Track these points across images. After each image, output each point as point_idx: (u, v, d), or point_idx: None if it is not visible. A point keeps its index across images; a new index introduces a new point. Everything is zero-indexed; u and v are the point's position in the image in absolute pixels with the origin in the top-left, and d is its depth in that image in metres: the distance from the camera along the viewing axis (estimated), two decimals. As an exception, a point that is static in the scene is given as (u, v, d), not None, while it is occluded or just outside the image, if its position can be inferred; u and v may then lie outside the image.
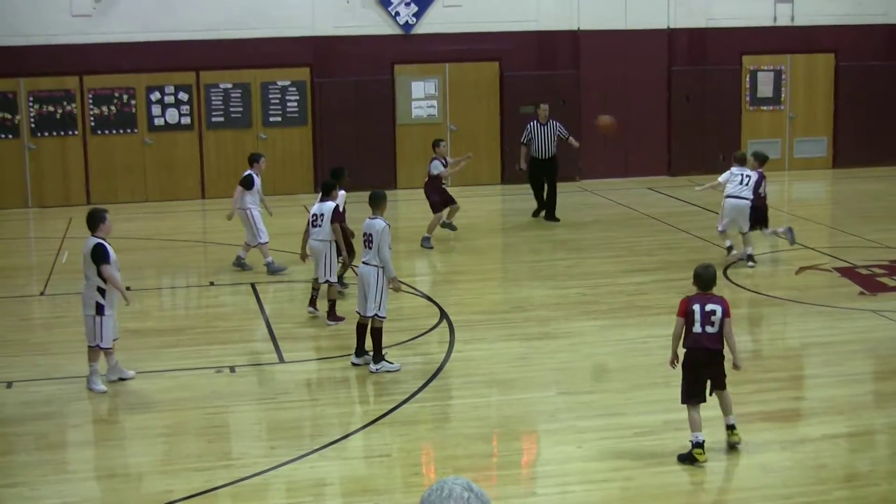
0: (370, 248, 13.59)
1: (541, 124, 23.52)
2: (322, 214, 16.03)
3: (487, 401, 13.03)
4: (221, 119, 27.00)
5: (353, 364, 14.04)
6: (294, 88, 27.21)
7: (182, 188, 26.52)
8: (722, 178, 19.14)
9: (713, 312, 10.98)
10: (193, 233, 22.06)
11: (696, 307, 11.00)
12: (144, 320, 16.62)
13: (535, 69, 28.00)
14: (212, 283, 18.73)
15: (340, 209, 16.30)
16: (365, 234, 13.67)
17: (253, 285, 18.35)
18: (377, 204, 13.81)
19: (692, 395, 11.11)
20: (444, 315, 16.31)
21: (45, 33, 25.80)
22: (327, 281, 16.09)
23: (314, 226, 16.18)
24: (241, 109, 27.09)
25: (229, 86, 26.92)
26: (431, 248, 20.66)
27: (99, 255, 12.91)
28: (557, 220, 23.35)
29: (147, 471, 11.34)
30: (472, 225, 22.91)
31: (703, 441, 11.04)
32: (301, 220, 21.91)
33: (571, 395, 12.96)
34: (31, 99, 26.18)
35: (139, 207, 25.39)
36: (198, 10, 26.41)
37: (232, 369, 14.32)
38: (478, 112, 28.03)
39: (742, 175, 18.77)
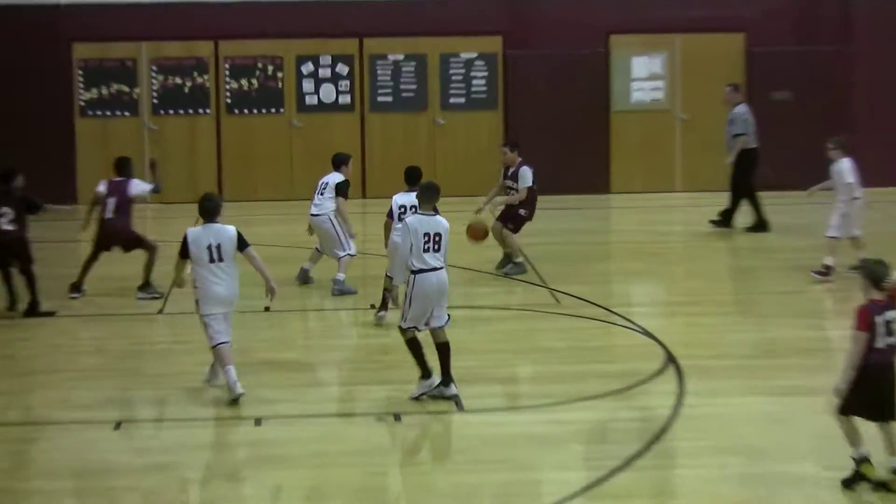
0: (439, 251, 14.11)
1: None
2: (414, 206, 16.11)
3: (725, 472, 12.51)
4: (389, 99, 27.23)
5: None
6: (482, 62, 27.27)
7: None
8: (852, 176, 20.15)
9: (892, 321, 11.47)
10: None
11: (878, 318, 11.42)
12: (286, 350, 16.73)
13: (792, 44, 27.50)
14: (372, 306, 18.59)
15: None
16: (428, 234, 14.00)
17: (424, 310, 18.13)
18: (434, 197, 14.38)
19: (864, 409, 11.59)
20: (669, 358, 15.95)
21: (174, -13, 26.02)
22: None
23: (402, 219, 16.22)
24: (414, 87, 27.24)
25: (400, 57, 27.24)
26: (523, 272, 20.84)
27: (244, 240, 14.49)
28: (724, 226, 23.64)
29: (285, 544, 11.05)
30: (706, 241, 22.68)
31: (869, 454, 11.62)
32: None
33: (838, 471, 12.33)
34: (154, 68, 26.88)
35: (282, 206, 25.75)
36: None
37: (397, 417, 14.12)
38: (716, 97, 26.85)
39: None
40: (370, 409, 14.47)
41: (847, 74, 27.48)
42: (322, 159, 25.02)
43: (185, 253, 14.47)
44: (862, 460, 11.66)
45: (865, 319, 11.40)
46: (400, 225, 15.32)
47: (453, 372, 14.38)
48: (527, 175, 20.27)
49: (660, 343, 16.69)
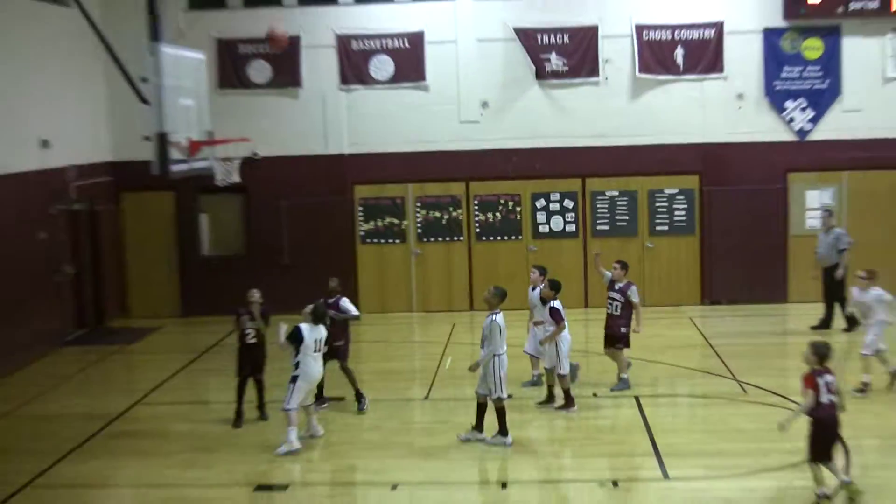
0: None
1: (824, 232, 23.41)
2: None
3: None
4: (607, 227, 26.40)
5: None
6: (682, 197, 26.27)
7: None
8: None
9: (832, 382, 13.07)
10: (575, 342, 19.13)
11: (821, 380, 13.03)
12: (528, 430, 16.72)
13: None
14: (595, 395, 18.30)
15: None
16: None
17: (637, 398, 17.98)
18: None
19: (825, 455, 13.02)
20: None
21: (433, 140, 26.26)
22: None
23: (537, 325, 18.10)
24: (626, 217, 26.38)
25: (616, 193, 26.23)
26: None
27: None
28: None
29: None
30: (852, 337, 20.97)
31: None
32: (688, 332, 22.18)
33: None
34: (418, 205, 26.49)
35: (519, 315, 24.79)
36: (587, 118, 26.07)
37: (615, 483, 14.13)
38: (881, 225, 26.18)
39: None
40: (593, 477, 14.40)
41: None
42: (554, 275, 22.28)
43: (297, 339, 15.93)
44: (825, 497, 13.09)
45: (812, 382, 13.15)
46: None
47: (665, 448, 14.94)
48: (636, 292, 18.48)
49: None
